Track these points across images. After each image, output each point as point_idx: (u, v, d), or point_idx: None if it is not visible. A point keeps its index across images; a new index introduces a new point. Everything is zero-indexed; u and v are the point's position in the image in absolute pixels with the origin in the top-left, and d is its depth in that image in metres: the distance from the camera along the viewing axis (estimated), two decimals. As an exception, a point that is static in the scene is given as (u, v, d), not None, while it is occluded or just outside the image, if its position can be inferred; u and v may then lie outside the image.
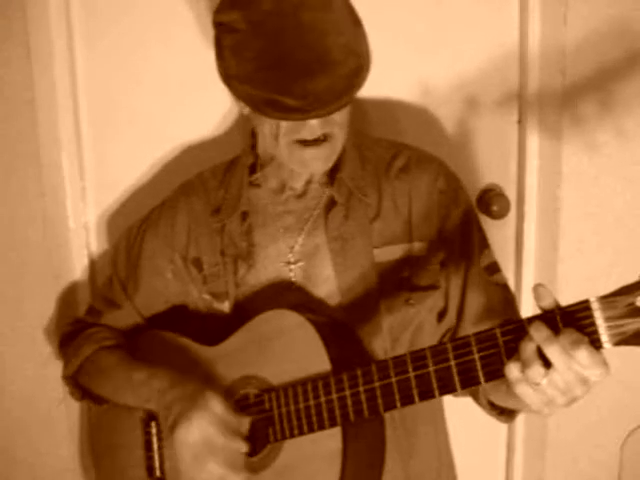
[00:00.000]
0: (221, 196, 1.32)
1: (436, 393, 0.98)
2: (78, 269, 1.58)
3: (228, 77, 1.14)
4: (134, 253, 1.36)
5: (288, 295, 1.24)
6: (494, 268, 1.26)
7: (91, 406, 1.38)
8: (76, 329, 1.39)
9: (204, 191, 1.34)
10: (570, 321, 0.87)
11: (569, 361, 0.85)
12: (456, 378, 0.96)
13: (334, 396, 1.06)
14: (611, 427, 1.60)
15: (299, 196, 1.27)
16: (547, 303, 0.89)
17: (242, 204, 1.28)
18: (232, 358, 1.19)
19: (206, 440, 1.08)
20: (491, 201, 1.55)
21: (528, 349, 0.87)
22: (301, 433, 1.10)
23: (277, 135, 1.15)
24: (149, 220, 1.37)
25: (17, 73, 1.43)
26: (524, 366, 0.87)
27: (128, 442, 1.30)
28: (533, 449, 1.67)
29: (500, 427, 1.70)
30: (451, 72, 1.52)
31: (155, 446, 1.27)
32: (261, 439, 1.13)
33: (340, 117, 1.15)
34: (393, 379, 1.01)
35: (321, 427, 1.07)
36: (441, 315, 1.26)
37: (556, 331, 0.86)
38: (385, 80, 1.48)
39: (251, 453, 1.14)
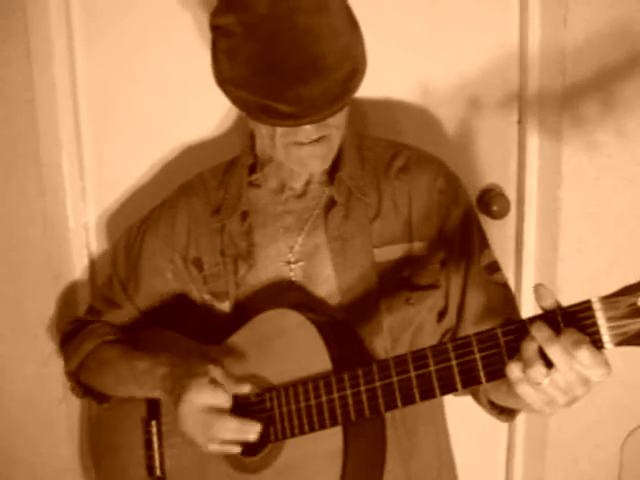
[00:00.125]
0: (221, 196, 1.32)
1: (437, 393, 0.98)
2: (78, 269, 1.58)
3: (222, 81, 1.14)
4: (134, 253, 1.36)
5: (288, 295, 1.24)
6: (494, 267, 1.26)
7: (92, 405, 1.38)
8: (77, 327, 1.39)
9: (204, 191, 1.34)
10: (571, 321, 0.87)
11: (570, 361, 0.85)
12: (457, 378, 0.96)
13: (335, 395, 1.06)
14: (611, 427, 1.60)
15: (299, 196, 1.27)
16: (548, 303, 0.89)
17: (242, 204, 1.28)
18: (233, 358, 1.19)
19: (210, 406, 1.09)
20: (491, 201, 1.55)
21: (529, 349, 0.87)
22: (302, 432, 1.10)
23: (273, 137, 1.15)
24: (149, 220, 1.37)
25: (17, 73, 1.42)
26: (525, 366, 0.87)
27: (128, 442, 1.30)
28: (533, 449, 1.67)
29: (500, 427, 1.70)
30: (451, 72, 1.53)
31: (155, 445, 1.27)
32: (262, 438, 1.13)
33: (336, 119, 1.14)
34: (394, 379, 1.01)
35: (322, 426, 1.07)
36: (441, 315, 1.26)
37: (557, 331, 0.86)
38: (385, 80, 1.49)
39: (252, 452, 1.14)
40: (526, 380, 0.88)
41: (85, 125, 1.55)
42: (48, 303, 1.52)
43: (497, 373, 0.93)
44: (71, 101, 1.52)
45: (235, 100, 1.13)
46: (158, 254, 1.34)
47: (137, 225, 1.39)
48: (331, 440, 1.07)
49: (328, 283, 1.23)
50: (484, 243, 1.27)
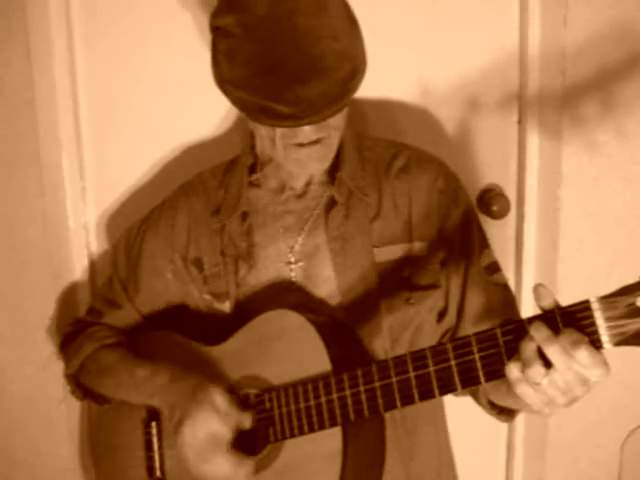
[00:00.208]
0: (221, 196, 1.32)
1: (436, 393, 0.98)
2: (78, 269, 1.58)
3: (222, 82, 1.14)
4: (134, 253, 1.36)
5: (288, 295, 1.24)
6: (494, 268, 1.26)
7: (92, 406, 1.38)
8: (77, 329, 1.39)
9: (204, 191, 1.34)
10: (570, 321, 0.87)
11: (569, 361, 0.85)
12: (456, 378, 0.96)
13: (334, 396, 1.06)
14: (611, 427, 1.60)
15: (299, 196, 1.27)
16: (547, 303, 0.89)
17: (242, 204, 1.28)
18: (233, 358, 1.19)
19: (211, 436, 1.08)
20: (491, 201, 1.55)
21: (528, 349, 0.87)
22: (301, 433, 1.10)
23: (273, 138, 1.15)
24: (149, 220, 1.37)
25: (17, 73, 1.42)
26: (524, 366, 0.87)
27: (128, 442, 1.30)
28: (533, 449, 1.67)
29: (500, 427, 1.70)
30: (451, 72, 1.52)
31: (155, 446, 1.27)
32: (261, 439, 1.13)
33: (335, 120, 1.14)
34: (393, 379, 1.01)
35: (321, 427, 1.07)
36: (441, 315, 1.26)
37: (556, 331, 0.86)
38: (385, 80, 1.49)
39: (251, 453, 1.14)
40: (525, 380, 0.88)
41: (85, 125, 1.55)
42: (48, 303, 1.51)
43: (496, 373, 0.93)
44: (71, 101, 1.52)
45: (235, 101, 1.13)
46: (158, 254, 1.34)
47: (137, 225, 1.39)
48: (330, 441, 1.07)
49: (328, 283, 1.23)
50: (484, 243, 1.27)
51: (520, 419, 1.64)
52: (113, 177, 1.57)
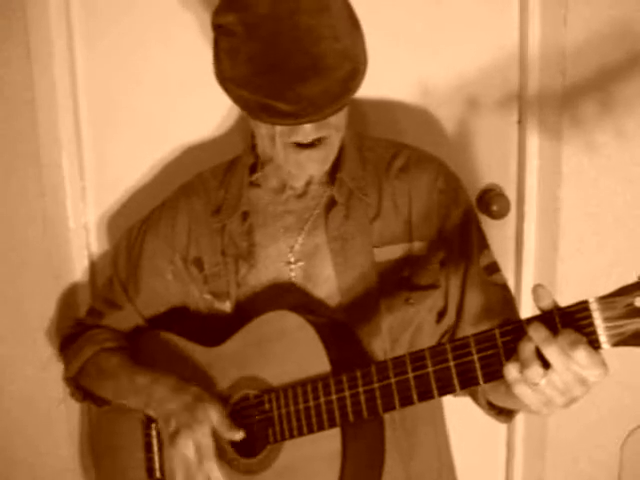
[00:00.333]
0: (221, 196, 1.32)
1: (435, 394, 0.98)
2: (78, 269, 1.58)
3: (224, 80, 1.14)
4: (134, 254, 1.36)
5: (288, 295, 1.24)
6: (493, 268, 1.26)
7: (92, 407, 1.38)
8: (77, 331, 1.39)
9: (204, 191, 1.34)
10: (569, 322, 0.87)
11: (567, 361, 0.85)
12: (455, 379, 0.96)
13: (333, 397, 1.06)
14: (611, 427, 1.60)
15: (299, 196, 1.27)
16: (546, 304, 0.89)
17: (242, 204, 1.28)
18: (232, 359, 1.19)
19: (201, 452, 1.11)
20: (491, 201, 1.55)
21: (527, 350, 0.87)
22: (301, 434, 1.10)
23: (273, 137, 1.15)
24: (149, 220, 1.37)
25: (17, 73, 1.43)
26: (523, 367, 0.87)
27: (128, 443, 1.30)
28: (533, 449, 1.67)
29: (500, 427, 1.70)
30: (451, 72, 1.52)
31: (155, 447, 1.27)
32: (261, 440, 1.13)
33: (336, 120, 1.15)
34: (392, 380, 1.01)
35: (321, 428, 1.07)
36: (441, 315, 1.26)
37: (555, 332, 0.86)
38: (385, 80, 1.49)
39: (251, 454, 1.15)
40: (523, 381, 0.88)
41: (85, 125, 1.55)
42: (48, 304, 1.52)
43: (495, 374, 0.93)
44: (71, 101, 1.52)
45: (236, 99, 1.13)
46: (158, 254, 1.34)
47: (137, 226, 1.39)
48: (330, 442, 1.07)
49: (328, 283, 1.23)
50: (484, 243, 1.27)
51: (520, 419, 1.64)
52: (113, 177, 1.57)
